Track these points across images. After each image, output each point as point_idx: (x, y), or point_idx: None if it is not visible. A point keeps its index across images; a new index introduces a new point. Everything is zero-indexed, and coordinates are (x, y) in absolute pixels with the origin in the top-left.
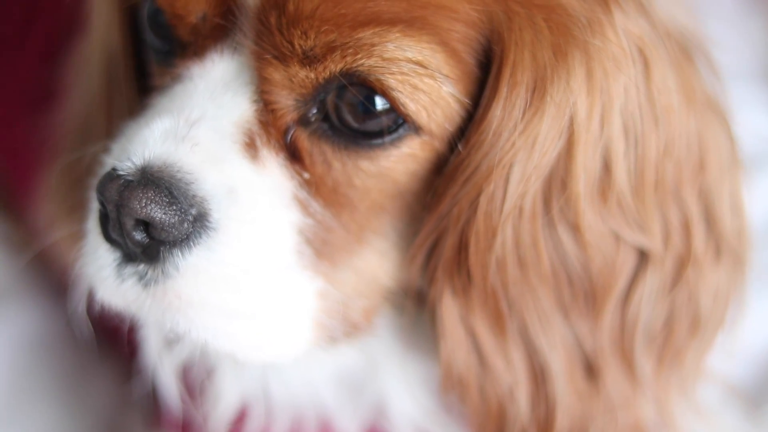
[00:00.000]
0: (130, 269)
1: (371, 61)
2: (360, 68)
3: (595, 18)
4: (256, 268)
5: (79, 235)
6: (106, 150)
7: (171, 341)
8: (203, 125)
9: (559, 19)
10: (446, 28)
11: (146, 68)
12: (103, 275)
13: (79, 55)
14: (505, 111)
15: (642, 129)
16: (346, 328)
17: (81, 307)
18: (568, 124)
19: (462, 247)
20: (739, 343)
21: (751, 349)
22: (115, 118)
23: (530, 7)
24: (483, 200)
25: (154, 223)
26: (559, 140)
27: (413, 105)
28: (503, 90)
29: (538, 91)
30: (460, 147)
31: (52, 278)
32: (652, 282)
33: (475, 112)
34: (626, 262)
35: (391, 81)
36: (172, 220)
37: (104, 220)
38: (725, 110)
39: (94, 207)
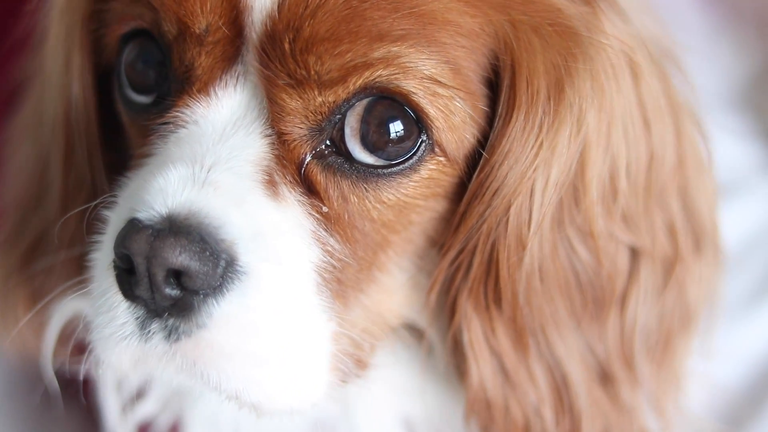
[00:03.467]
0: (155, 325)
1: (389, 71)
2: (378, 79)
3: (592, 24)
4: (284, 312)
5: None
6: (107, 204)
7: (130, 401)
8: (220, 168)
9: (564, 23)
10: (451, 43)
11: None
12: (123, 335)
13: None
14: (526, 121)
15: (635, 134)
16: (356, 368)
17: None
18: (585, 132)
19: (491, 265)
20: (733, 349)
21: (746, 354)
22: (72, 177)
23: (533, 15)
24: (513, 214)
25: (189, 272)
26: (578, 148)
27: (433, 110)
28: (521, 99)
29: (554, 97)
30: (484, 155)
31: None
32: (646, 283)
33: (493, 127)
34: (624, 265)
35: (411, 85)
36: (206, 268)
37: (121, 278)
38: (696, 112)
39: (106, 265)
